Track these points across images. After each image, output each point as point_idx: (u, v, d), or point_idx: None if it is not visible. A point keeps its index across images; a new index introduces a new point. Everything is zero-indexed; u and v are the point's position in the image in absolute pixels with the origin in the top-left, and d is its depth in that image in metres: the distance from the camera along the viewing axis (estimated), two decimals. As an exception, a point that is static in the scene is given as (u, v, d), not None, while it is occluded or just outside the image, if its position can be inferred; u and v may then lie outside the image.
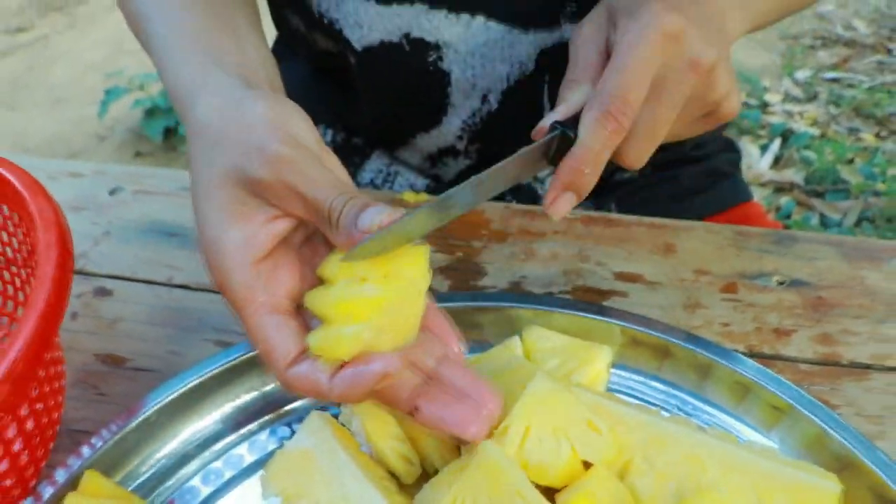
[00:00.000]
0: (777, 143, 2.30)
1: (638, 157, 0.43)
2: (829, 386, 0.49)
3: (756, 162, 2.21)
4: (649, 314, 0.50)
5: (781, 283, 0.56)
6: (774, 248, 0.59)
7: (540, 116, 0.56)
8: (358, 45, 0.61)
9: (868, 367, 0.50)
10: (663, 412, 0.42)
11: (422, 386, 0.36)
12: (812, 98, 2.65)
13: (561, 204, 0.42)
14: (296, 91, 0.72)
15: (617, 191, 0.70)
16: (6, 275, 0.51)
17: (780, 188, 2.12)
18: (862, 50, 3.02)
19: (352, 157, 0.71)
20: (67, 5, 3.49)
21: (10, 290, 0.52)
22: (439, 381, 0.36)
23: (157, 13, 0.48)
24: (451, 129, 0.64)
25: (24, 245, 0.48)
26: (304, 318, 0.37)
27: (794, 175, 2.15)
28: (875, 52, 2.97)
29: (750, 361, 0.46)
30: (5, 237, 0.50)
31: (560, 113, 0.42)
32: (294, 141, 0.37)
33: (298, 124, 0.38)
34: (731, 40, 0.47)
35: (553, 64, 0.60)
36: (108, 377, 0.50)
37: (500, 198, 0.66)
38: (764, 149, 2.27)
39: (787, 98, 2.64)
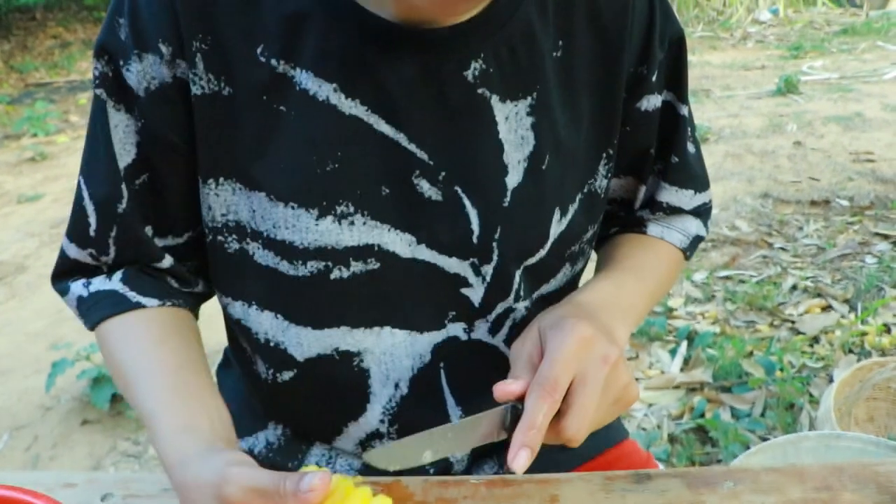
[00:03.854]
0: (684, 345, 2.52)
1: (577, 432, 0.61)
2: None
3: (667, 366, 2.42)
4: (537, 559, 0.65)
5: (641, 517, 0.72)
6: (634, 487, 0.75)
7: (440, 396, 0.76)
8: (300, 358, 0.77)
9: (708, 578, 0.65)
10: None
11: None
12: (710, 298, 2.93)
13: (521, 458, 0.59)
14: (244, 397, 0.88)
15: (514, 448, 0.86)
16: None
17: (692, 388, 2.32)
18: (747, 247, 3.37)
19: (298, 447, 0.85)
20: (7, 275, 3.60)
21: None
22: None
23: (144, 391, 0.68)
24: (374, 415, 0.80)
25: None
26: None
27: (702, 374, 2.36)
28: (759, 248, 3.33)
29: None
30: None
31: (511, 395, 0.61)
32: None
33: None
34: (621, 347, 0.67)
35: (445, 355, 0.77)
36: None
37: (420, 472, 0.81)
38: (673, 352, 2.49)
39: (689, 300, 2.91)
